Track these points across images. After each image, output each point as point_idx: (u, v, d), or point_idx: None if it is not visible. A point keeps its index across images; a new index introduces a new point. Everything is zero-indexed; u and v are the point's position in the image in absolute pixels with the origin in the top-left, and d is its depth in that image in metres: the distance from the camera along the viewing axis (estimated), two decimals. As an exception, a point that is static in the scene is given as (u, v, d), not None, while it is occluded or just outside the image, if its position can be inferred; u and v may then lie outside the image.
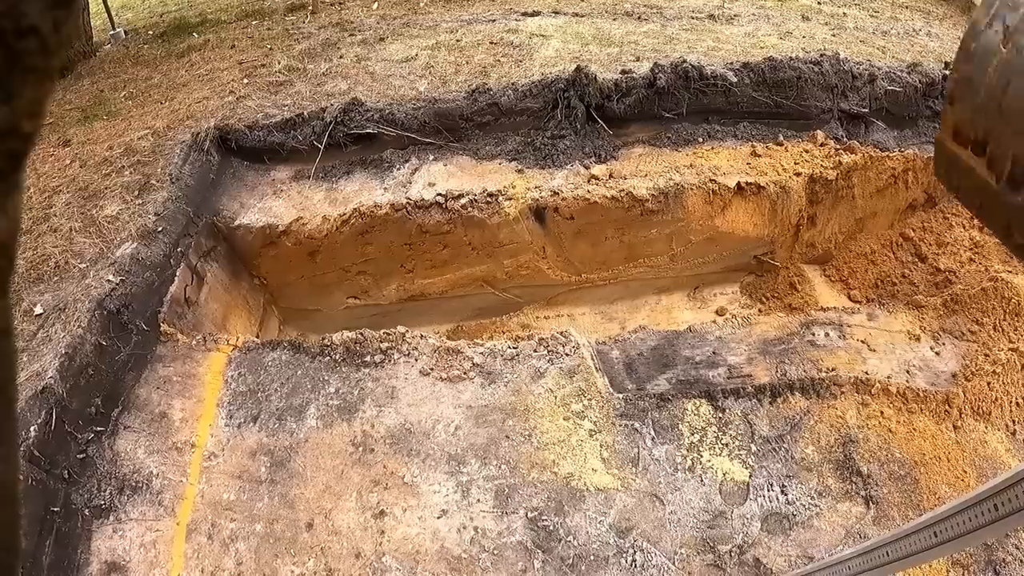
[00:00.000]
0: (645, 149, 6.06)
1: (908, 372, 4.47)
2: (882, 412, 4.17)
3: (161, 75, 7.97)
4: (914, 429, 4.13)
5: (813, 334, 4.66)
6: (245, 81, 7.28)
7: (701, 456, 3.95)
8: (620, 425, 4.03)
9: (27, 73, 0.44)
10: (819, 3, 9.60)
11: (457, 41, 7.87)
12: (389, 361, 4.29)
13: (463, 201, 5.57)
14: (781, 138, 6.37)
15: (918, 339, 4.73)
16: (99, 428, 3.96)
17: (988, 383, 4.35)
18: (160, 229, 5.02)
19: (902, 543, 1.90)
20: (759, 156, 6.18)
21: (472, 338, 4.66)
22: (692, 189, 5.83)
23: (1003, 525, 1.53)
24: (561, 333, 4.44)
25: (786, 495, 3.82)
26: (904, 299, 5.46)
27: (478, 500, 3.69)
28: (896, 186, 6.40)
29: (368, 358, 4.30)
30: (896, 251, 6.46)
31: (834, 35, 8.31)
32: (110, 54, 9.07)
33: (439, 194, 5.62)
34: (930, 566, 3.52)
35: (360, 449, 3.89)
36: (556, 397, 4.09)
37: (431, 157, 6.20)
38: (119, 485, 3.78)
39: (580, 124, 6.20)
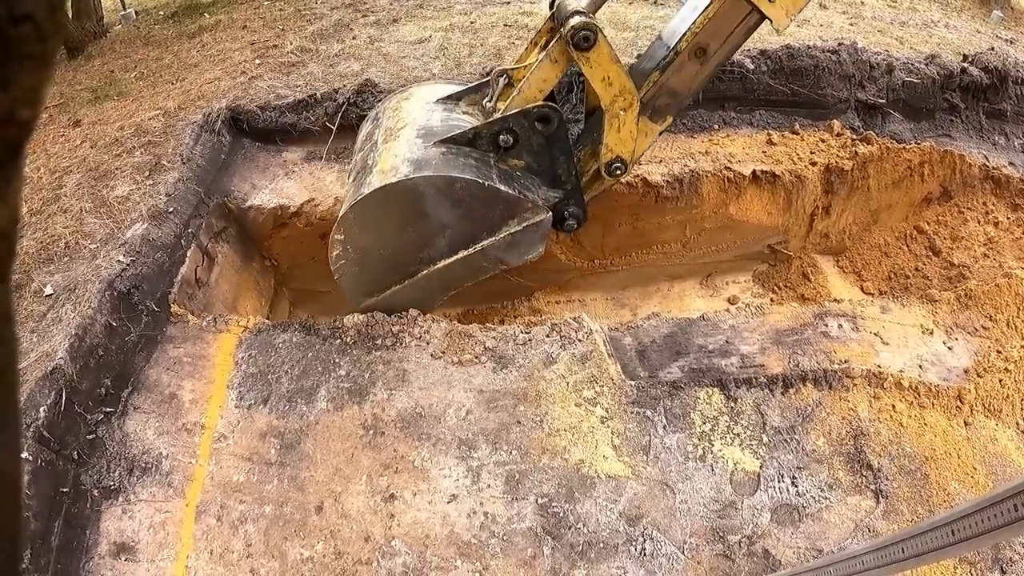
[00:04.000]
0: (660, 135, 6.03)
1: (920, 366, 4.45)
2: (894, 406, 4.16)
3: (172, 55, 7.96)
4: (925, 424, 4.12)
5: (826, 325, 4.63)
6: (257, 62, 7.25)
7: (712, 445, 3.94)
8: (632, 412, 4.01)
9: (23, 60, 0.44)
10: (836, -9, 9.54)
11: (471, 23, 7.82)
12: (400, 344, 4.26)
13: (476, 185, 5.54)
14: (797, 127, 6.33)
15: (931, 333, 4.70)
16: (109, 409, 3.95)
17: (1000, 380, 4.34)
18: (171, 210, 5.00)
19: (917, 540, 1.88)
20: (775, 144, 6.14)
21: (483, 322, 4.63)
22: (707, 176, 5.80)
23: (1022, 526, 1.51)
24: (574, 319, 4.41)
25: (796, 487, 3.81)
26: (917, 293, 5.44)
27: (488, 485, 3.68)
28: (912, 179, 6.36)
29: (379, 341, 4.28)
30: (910, 244, 6.43)
31: (852, 24, 8.25)
32: (121, 34, 9.07)
33: (452, 177, 5.59)
34: (938, 563, 3.50)
35: (371, 432, 3.88)
36: (568, 383, 4.07)
37: (443, 140, 6.18)
38: (128, 466, 3.77)
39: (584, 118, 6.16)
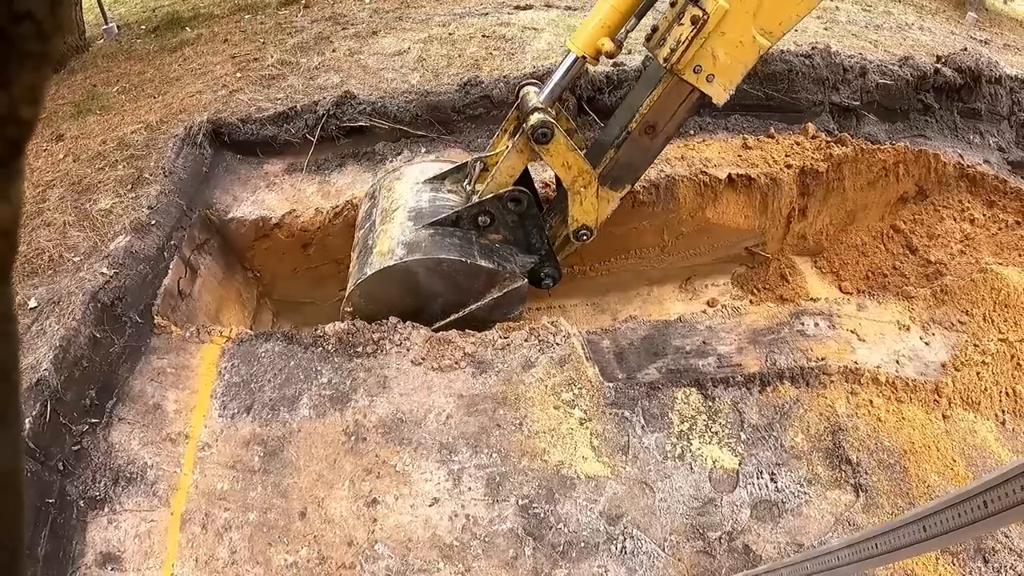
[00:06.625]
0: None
1: (898, 362, 4.50)
2: (871, 401, 4.20)
3: (154, 69, 7.97)
4: (903, 418, 4.16)
5: (803, 324, 4.68)
6: (238, 75, 7.29)
7: (691, 444, 3.98)
8: (610, 414, 4.05)
9: (24, 59, 0.44)
10: (811, -4, 9.61)
11: (449, 35, 7.88)
12: (381, 351, 4.31)
13: (455, 194, 5.60)
14: (772, 131, 6.41)
15: (908, 329, 4.75)
16: (94, 420, 3.97)
17: (977, 373, 4.38)
18: (153, 222, 5.03)
19: (891, 536, 1.91)
20: (750, 148, 6.21)
21: (462, 328, 4.69)
22: (683, 181, 5.87)
23: (991, 522, 1.53)
24: (552, 323, 4.47)
25: (775, 483, 3.85)
26: (894, 290, 5.50)
27: (469, 488, 3.72)
28: (887, 179, 6.44)
29: (360, 348, 4.32)
30: (887, 243, 6.50)
31: (826, 29, 8.34)
32: (103, 49, 9.07)
33: (432, 187, 5.65)
34: (921, 555, 3.54)
35: (352, 438, 3.91)
36: (547, 386, 4.12)
37: (423, 150, 6.23)
38: (114, 476, 3.79)
39: (572, 117, 6.23)
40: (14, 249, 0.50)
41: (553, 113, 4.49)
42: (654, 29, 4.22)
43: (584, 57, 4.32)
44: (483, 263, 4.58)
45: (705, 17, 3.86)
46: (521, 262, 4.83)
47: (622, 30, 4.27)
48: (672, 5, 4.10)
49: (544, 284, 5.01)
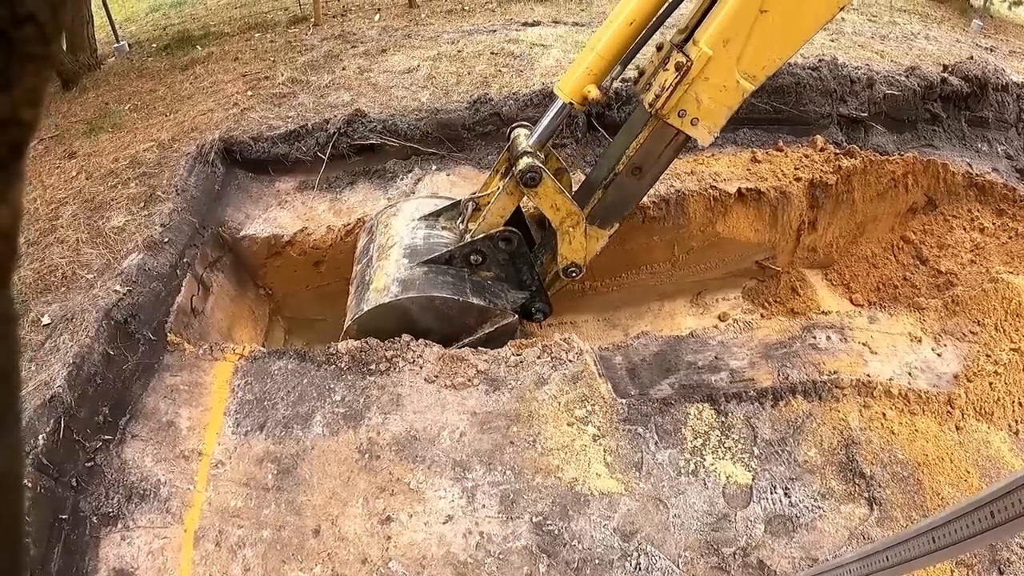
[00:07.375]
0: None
1: (910, 374, 4.48)
2: (884, 414, 4.18)
3: (165, 88, 8.03)
4: (916, 430, 4.14)
5: (814, 337, 4.68)
6: (249, 93, 7.34)
7: (704, 460, 3.97)
8: (623, 430, 4.05)
9: (26, 61, 0.44)
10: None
11: (458, 52, 7.93)
12: (394, 369, 4.32)
13: (466, 210, 5.63)
14: (781, 144, 6.42)
15: (919, 341, 4.74)
16: (107, 436, 3.98)
17: (990, 383, 4.36)
18: (166, 240, 5.07)
19: (901, 548, 1.91)
20: (759, 162, 6.22)
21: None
22: (693, 196, 5.88)
23: (1000, 532, 1.53)
24: (564, 339, 4.47)
25: (789, 497, 3.84)
26: (905, 301, 5.48)
27: (483, 505, 3.71)
28: (896, 189, 6.43)
29: (373, 366, 4.33)
30: (897, 254, 6.49)
31: (832, 40, 8.36)
32: (114, 67, 9.14)
33: (442, 203, 5.68)
34: (934, 566, 3.52)
35: (366, 456, 3.92)
36: (560, 403, 4.12)
37: (434, 167, 6.26)
38: (127, 493, 3.80)
39: (581, 133, 6.26)
40: (14, 252, 0.50)
41: (542, 157, 4.63)
42: (641, 73, 4.35)
43: (571, 103, 4.41)
44: (475, 300, 4.73)
45: (689, 63, 3.92)
46: (512, 298, 4.99)
47: (608, 77, 4.32)
48: (658, 50, 4.20)
49: (535, 318, 5.16)
